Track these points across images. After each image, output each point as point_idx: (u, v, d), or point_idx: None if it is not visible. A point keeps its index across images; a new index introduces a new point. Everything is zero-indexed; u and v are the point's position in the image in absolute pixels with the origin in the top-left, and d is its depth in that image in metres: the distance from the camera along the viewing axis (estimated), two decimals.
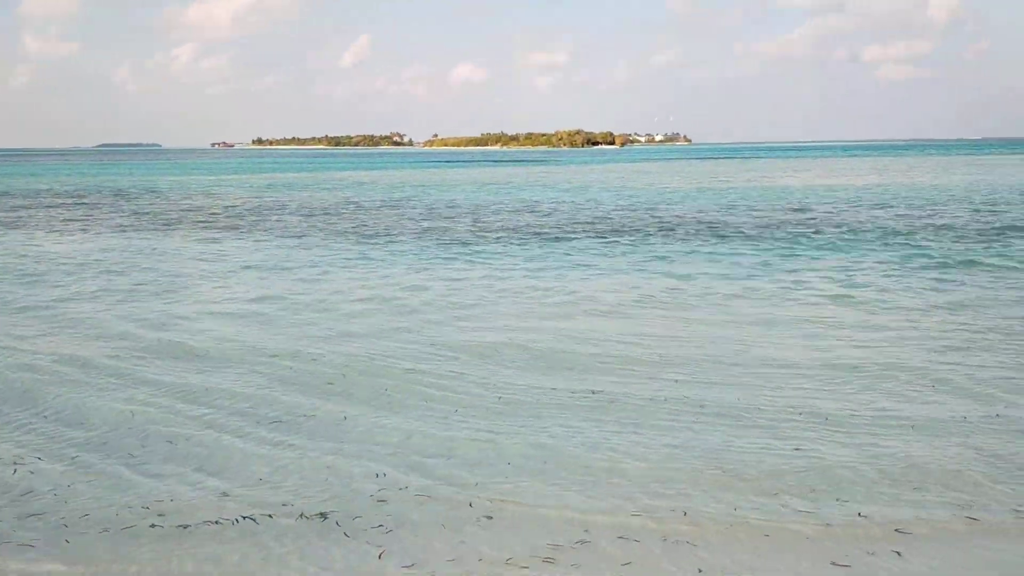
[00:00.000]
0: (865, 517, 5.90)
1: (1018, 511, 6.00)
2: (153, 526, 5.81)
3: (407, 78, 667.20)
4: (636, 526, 5.81)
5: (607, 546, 5.52)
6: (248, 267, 18.40)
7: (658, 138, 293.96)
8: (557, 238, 23.56)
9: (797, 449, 7.16)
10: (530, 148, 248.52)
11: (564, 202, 37.51)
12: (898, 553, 5.41)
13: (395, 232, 25.59)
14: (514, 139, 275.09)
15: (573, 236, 24.02)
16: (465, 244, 22.38)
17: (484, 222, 28.55)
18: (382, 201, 39.25)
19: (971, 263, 17.68)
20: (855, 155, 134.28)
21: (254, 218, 30.79)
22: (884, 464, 6.80)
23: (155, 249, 21.95)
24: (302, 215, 31.84)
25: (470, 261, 19.08)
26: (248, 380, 9.47)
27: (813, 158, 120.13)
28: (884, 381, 9.15)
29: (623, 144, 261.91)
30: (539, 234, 24.54)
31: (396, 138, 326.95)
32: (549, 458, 7.05)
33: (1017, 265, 17.41)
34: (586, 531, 5.73)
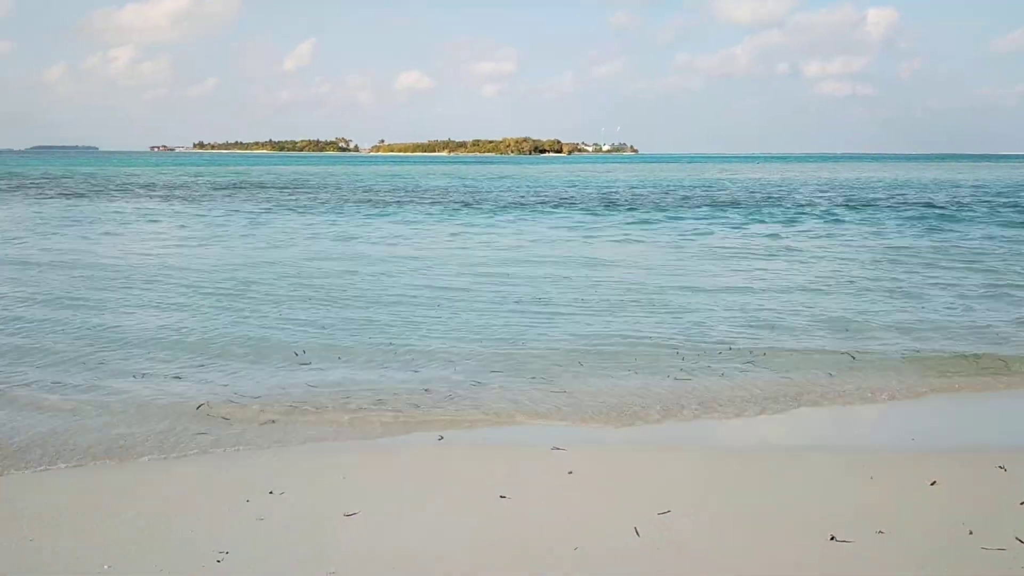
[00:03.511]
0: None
1: None
2: None
3: (352, 85, 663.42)
4: None
5: None
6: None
7: (605, 147, 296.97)
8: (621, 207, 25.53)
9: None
10: (478, 155, 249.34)
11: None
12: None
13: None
14: (461, 146, 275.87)
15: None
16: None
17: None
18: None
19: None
20: (789, 162, 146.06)
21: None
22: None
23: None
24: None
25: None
26: None
27: (755, 163, 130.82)
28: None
29: (570, 152, 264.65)
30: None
31: (342, 143, 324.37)
32: None
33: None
34: None
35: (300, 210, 33.97)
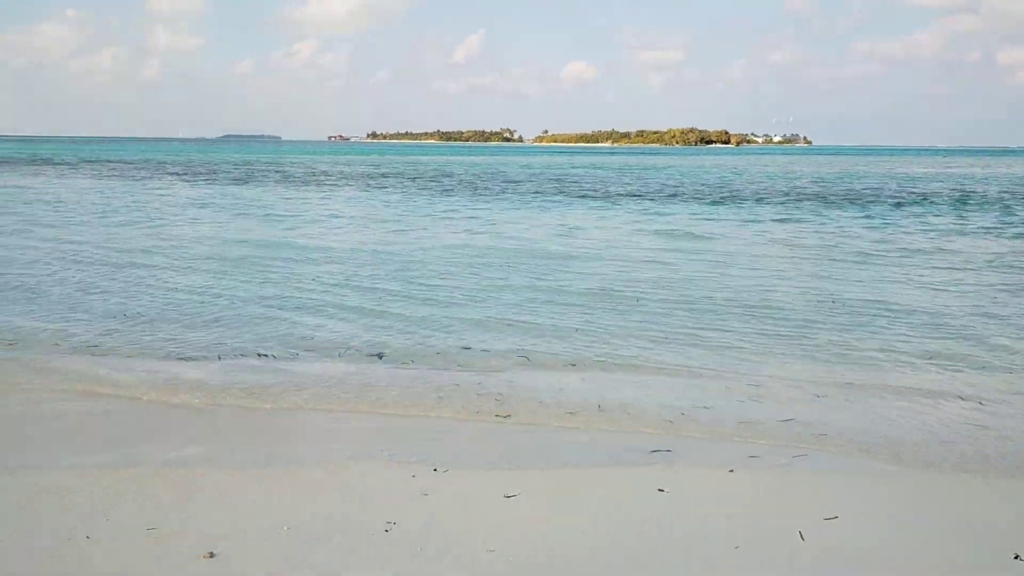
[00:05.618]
0: None
1: None
2: None
3: (518, 75, 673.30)
4: None
5: None
6: None
7: (776, 138, 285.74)
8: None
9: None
10: (642, 145, 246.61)
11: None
12: None
13: None
14: (625, 136, 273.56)
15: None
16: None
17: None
18: None
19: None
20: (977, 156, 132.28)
21: None
22: None
23: None
24: None
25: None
26: None
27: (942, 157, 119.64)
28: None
29: (738, 144, 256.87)
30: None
31: (507, 134, 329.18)
32: None
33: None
34: None
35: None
